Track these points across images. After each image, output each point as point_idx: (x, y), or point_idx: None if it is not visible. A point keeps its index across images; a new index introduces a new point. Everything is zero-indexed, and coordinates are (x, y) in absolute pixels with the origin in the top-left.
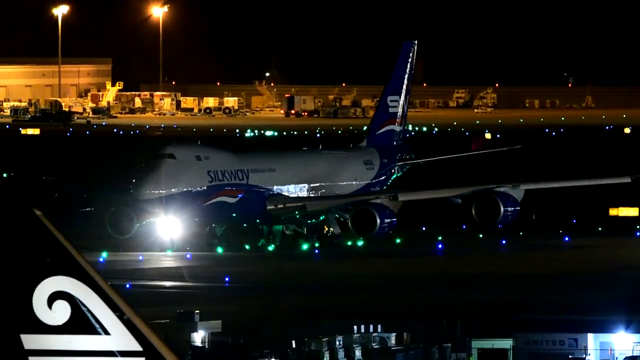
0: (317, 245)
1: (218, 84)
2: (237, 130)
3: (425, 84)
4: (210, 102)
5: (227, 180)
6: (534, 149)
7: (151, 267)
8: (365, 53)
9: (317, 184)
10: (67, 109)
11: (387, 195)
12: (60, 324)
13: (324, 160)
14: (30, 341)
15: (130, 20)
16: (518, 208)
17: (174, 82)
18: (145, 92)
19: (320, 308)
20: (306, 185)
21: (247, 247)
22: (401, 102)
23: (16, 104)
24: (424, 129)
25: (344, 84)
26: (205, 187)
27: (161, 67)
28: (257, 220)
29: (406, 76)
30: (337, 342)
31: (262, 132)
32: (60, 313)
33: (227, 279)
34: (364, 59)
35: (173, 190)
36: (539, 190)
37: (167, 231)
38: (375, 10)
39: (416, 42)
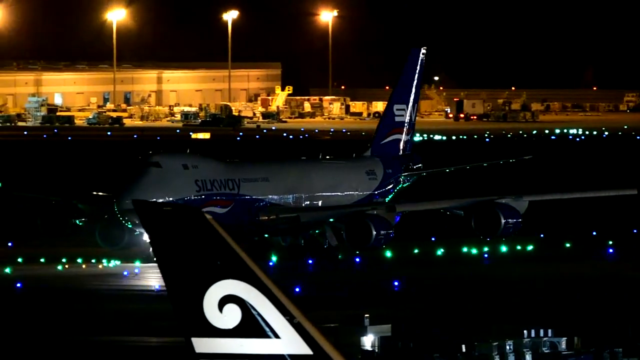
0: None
1: (387, 88)
2: None
3: (595, 88)
4: (379, 106)
5: (217, 190)
6: None
7: None
8: (535, 56)
9: (314, 194)
10: (237, 114)
11: (384, 206)
12: (230, 327)
13: (322, 170)
14: (201, 345)
15: (299, 24)
16: (520, 220)
17: (343, 87)
18: (315, 97)
19: (490, 312)
20: (302, 195)
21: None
22: (408, 111)
23: (187, 108)
24: (594, 132)
25: (513, 88)
26: (192, 197)
27: (330, 71)
28: (268, 236)
29: (414, 84)
30: (507, 347)
31: (431, 136)
32: (231, 316)
33: (396, 282)
34: (534, 63)
35: (158, 200)
36: None
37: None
38: (544, 14)
39: (425, 49)
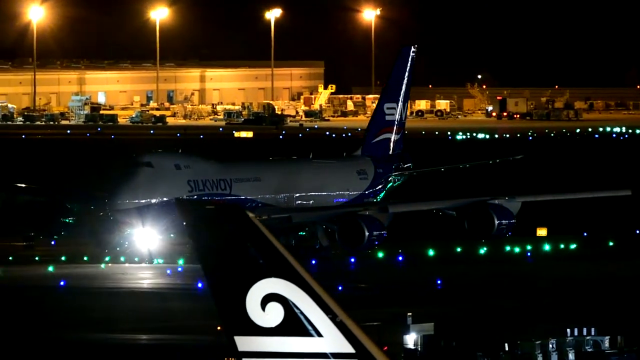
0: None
1: (430, 86)
2: (449, 133)
3: (639, 86)
4: (422, 104)
5: (209, 190)
6: None
7: None
8: (579, 55)
9: (306, 194)
10: (279, 112)
11: (377, 206)
12: (273, 326)
13: (313, 169)
14: (244, 343)
15: (342, 23)
16: (513, 221)
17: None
18: (357, 95)
19: (533, 310)
20: (294, 195)
21: None
22: (399, 110)
23: (229, 107)
24: (637, 131)
25: (556, 86)
26: (184, 197)
27: (373, 70)
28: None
29: (404, 82)
30: (550, 345)
31: (474, 134)
32: (274, 315)
33: (438, 281)
34: (577, 61)
35: (150, 200)
36: None
37: (145, 242)
38: (588, 12)
39: (415, 47)
